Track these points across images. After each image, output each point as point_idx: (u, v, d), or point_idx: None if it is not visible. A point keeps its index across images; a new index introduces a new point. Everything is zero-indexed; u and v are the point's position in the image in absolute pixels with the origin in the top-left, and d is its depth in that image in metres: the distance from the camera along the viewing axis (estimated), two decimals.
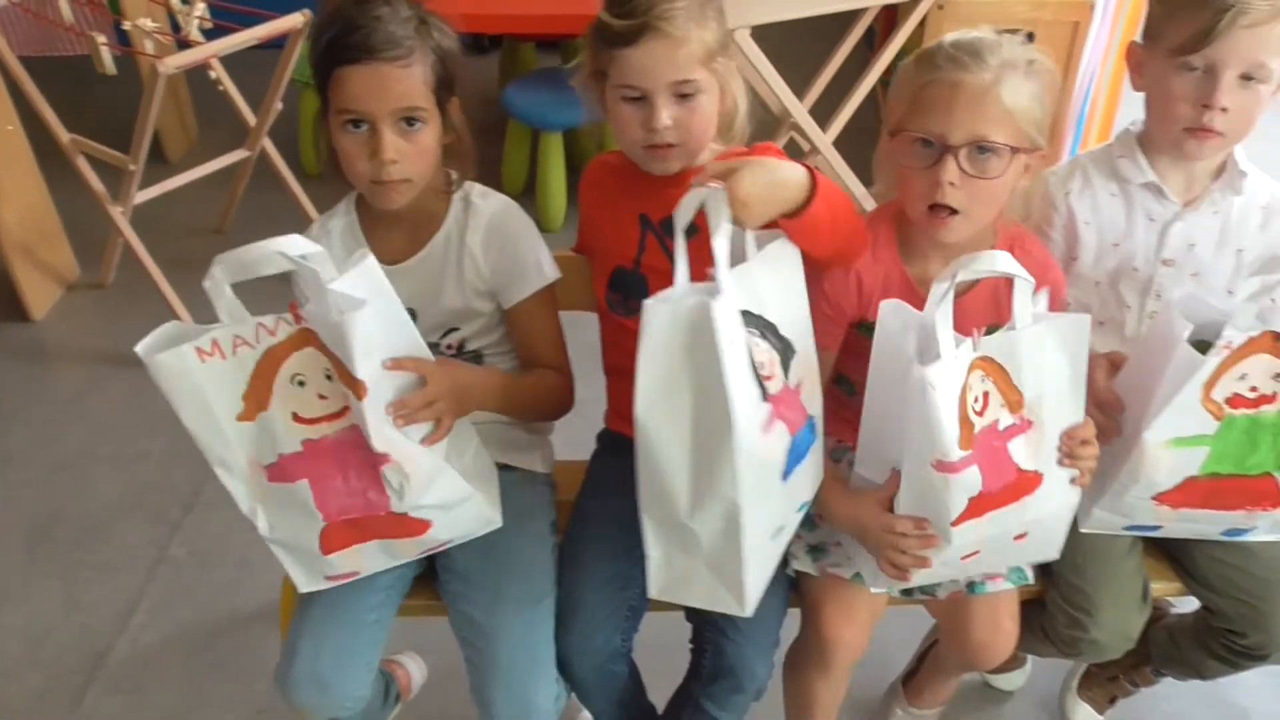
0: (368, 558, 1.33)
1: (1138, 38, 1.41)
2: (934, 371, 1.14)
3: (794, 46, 3.00)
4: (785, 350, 1.21)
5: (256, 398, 1.22)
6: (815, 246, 1.25)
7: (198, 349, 1.18)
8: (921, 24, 2.78)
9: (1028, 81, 1.25)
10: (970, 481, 1.19)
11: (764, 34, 2.60)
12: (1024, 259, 1.32)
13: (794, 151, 2.92)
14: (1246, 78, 1.29)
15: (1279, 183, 1.45)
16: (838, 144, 2.87)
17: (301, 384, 1.23)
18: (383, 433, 1.22)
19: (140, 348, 1.18)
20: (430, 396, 1.25)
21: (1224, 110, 1.30)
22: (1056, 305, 1.41)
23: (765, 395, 1.16)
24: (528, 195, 3.20)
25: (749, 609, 1.23)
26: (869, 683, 1.81)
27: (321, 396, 1.24)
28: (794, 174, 1.20)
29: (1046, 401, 1.23)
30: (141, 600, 2.05)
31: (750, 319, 1.16)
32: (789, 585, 1.44)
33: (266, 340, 1.21)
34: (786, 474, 1.21)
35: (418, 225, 1.43)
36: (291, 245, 1.15)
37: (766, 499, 1.18)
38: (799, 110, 2.78)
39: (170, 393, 1.19)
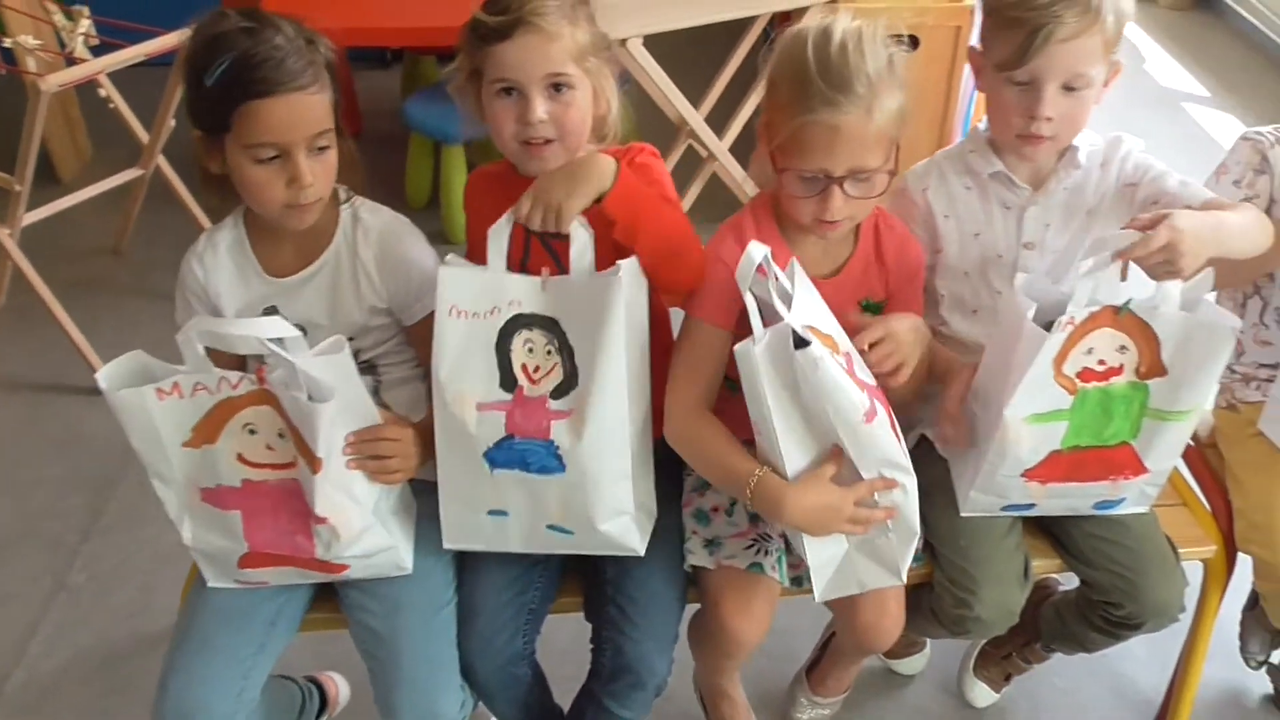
0: (281, 575, 1.38)
1: (976, 42, 1.48)
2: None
3: (689, 53, 3.04)
4: (571, 373, 1.30)
5: (205, 433, 1.29)
6: (632, 241, 1.31)
7: (158, 389, 1.24)
8: None
9: (892, 89, 1.32)
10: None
11: (658, 42, 2.65)
12: (887, 234, 1.46)
13: (692, 158, 2.99)
14: (1069, 88, 1.36)
15: (1096, 134, 1.52)
16: (734, 149, 2.92)
17: (253, 432, 1.29)
18: (327, 499, 1.28)
19: (103, 379, 1.24)
20: (390, 458, 1.32)
21: (1050, 120, 1.37)
22: (919, 281, 1.51)
23: (512, 388, 1.29)
24: (432, 208, 3.19)
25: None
26: (774, 675, 1.85)
27: (270, 448, 1.30)
28: (601, 166, 1.31)
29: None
30: (39, 627, 2.01)
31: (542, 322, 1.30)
32: (686, 579, 1.47)
33: (226, 391, 1.26)
34: (493, 466, 1.31)
35: (306, 239, 1.43)
36: (269, 329, 1.21)
37: None
38: (695, 118, 2.83)
39: (123, 421, 1.26)
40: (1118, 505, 1.47)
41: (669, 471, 1.55)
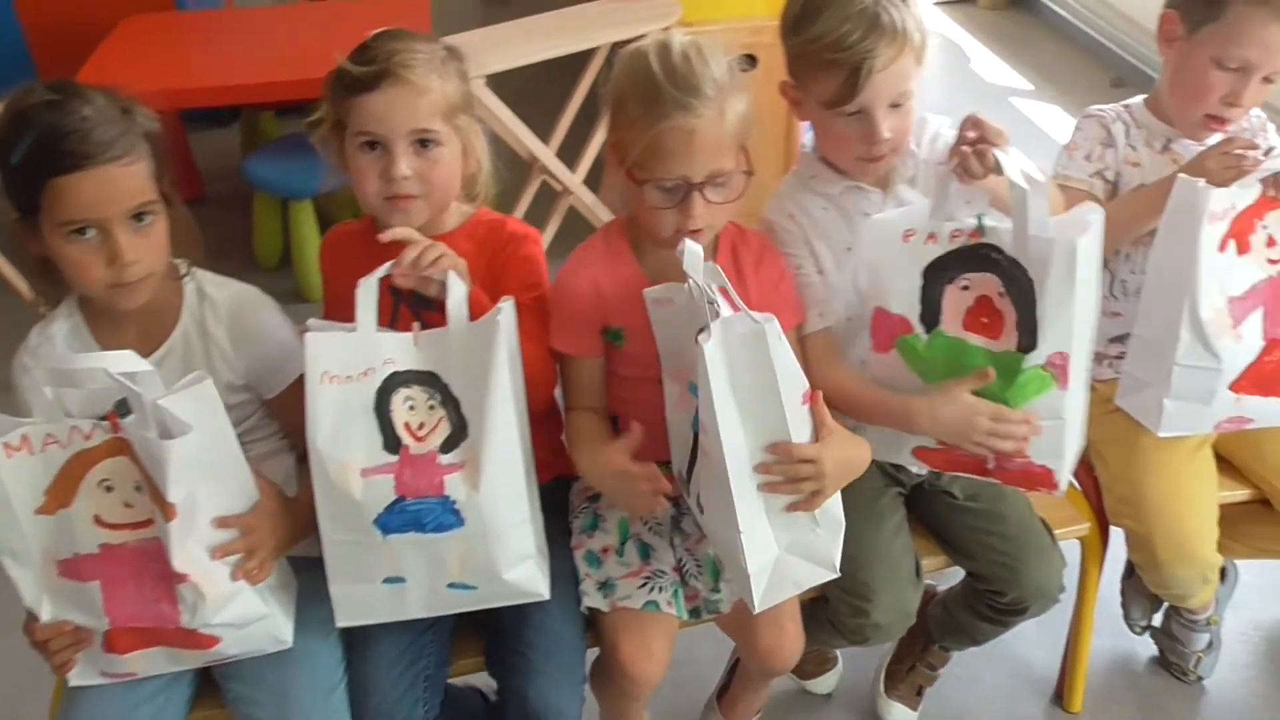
0: (149, 661, 1.28)
1: (788, 76, 1.50)
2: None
3: (535, 88, 3.04)
4: (459, 424, 1.27)
5: (59, 495, 1.22)
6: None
7: (5, 444, 1.18)
8: None
9: (737, 93, 1.35)
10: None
11: (503, 80, 2.64)
12: (743, 247, 1.47)
13: (547, 194, 2.98)
14: (895, 105, 1.41)
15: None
16: (588, 180, 2.93)
17: (109, 489, 1.22)
18: (186, 553, 1.21)
19: None
20: (251, 542, 1.25)
21: (886, 139, 1.41)
22: (786, 288, 1.50)
23: (396, 448, 1.26)
24: (284, 268, 3.10)
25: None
26: (684, 704, 1.83)
27: (128, 505, 1.23)
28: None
29: None
30: None
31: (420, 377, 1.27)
32: (585, 621, 1.46)
33: (79, 443, 1.20)
34: (385, 532, 1.26)
35: (150, 320, 1.36)
36: (118, 362, 1.14)
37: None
38: (546, 154, 2.83)
39: None
40: None
41: (556, 514, 1.54)
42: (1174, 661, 1.91)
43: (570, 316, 1.44)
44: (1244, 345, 1.48)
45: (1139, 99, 1.68)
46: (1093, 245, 1.31)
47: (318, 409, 1.25)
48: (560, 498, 1.59)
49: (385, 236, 1.30)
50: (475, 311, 1.29)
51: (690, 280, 1.26)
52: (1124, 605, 1.93)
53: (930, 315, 1.37)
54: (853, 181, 1.51)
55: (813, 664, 1.87)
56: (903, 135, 1.44)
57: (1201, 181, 1.43)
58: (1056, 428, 1.37)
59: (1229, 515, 1.70)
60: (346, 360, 1.27)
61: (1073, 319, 1.31)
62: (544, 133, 2.90)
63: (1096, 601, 1.76)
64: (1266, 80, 1.51)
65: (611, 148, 1.40)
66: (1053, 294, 1.30)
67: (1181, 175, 1.47)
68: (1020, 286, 1.33)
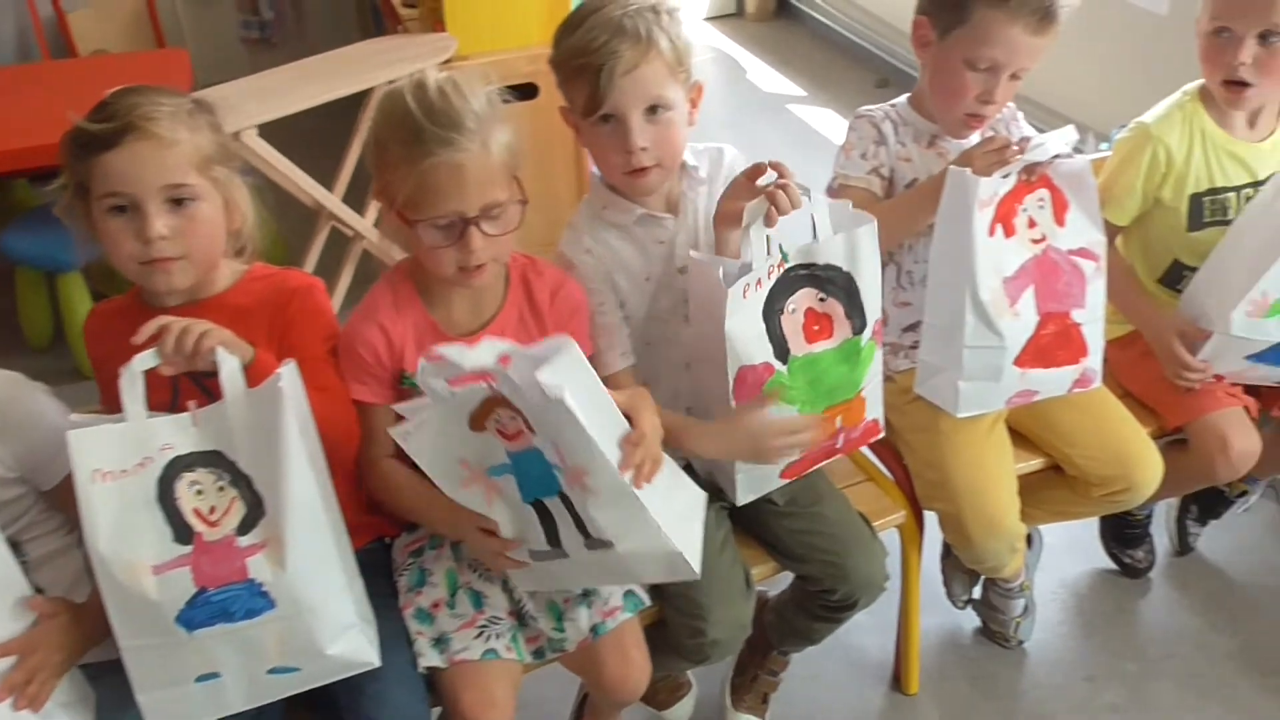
0: None
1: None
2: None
3: (316, 132, 2.94)
4: (254, 502, 1.21)
5: None
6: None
7: None
8: None
9: (499, 124, 1.36)
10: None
11: (280, 127, 2.53)
12: (537, 280, 1.47)
13: (339, 241, 2.89)
14: (651, 110, 1.43)
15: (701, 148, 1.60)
16: (380, 223, 2.85)
17: None
18: None
19: None
20: (30, 665, 1.16)
21: (645, 149, 1.43)
22: (582, 319, 1.50)
23: (189, 538, 1.19)
24: (58, 345, 2.88)
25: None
26: None
27: None
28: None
29: None
30: None
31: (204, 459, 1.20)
32: (424, 683, 1.40)
33: None
34: (190, 628, 1.20)
35: None
36: None
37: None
38: (331, 200, 2.74)
39: None
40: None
41: (380, 576, 1.48)
42: (996, 630, 2.00)
43: (362, 367, 1.41)
44: (1022, 322, 1.57)
45: (904, 98, 1.76)
46: (873, 230, 1.46)
47: (93, 510, 1.16)
48: (382, 558, 1.53)
49: (138, 338, 1.21)
50: (261, 377, 1.22)
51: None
52: (945, 583, 2.01)
53: (780, 349, 1.44)
54: (644, 209, 1.52)
55: (665, 693, 1.86)
56: (668, 149, 1.46)
57: (969, 170, 1.52)
58: (877, 384, 1.55)
59: (1027, 484, 1.79)
60: (119, 453, 1.18)
61: (876, 291, 1.50)
62: (328, 178, 2.81)
63: (920, 584, 1.83)
64: (1014, 77, 1.61)
65: (378, 193, 1.38)
66: (865, 276, 1.47)
67: (952, 167, 1.55)
68: (838, 284, 1.46)
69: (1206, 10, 1.71)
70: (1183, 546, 2.16)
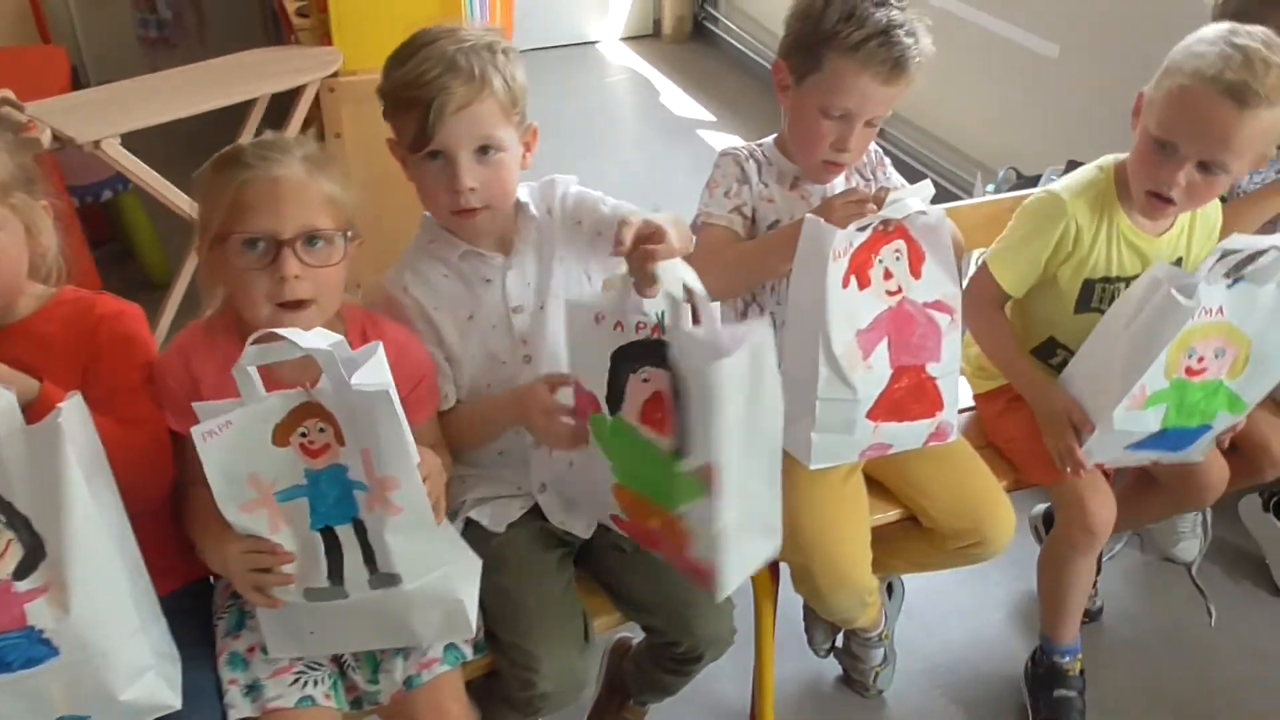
0: None
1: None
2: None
3: (203, 140, 2.83)
4: (34, 544, 1.13)
5: None
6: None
7: None
8: (316, 104, 2.75)
9: (335, 172, 1.34)
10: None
11: (161, 134, 2.43)
12: (376, 338, 1.37)
13: None
14: (482, 150, 1.39)
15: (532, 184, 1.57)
16: None
17: None
18: None
19: None
20: None
21: (473, 190, 1.39)
22: (428, 383, 1.45)
23: None
24: None
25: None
26: None
27: None
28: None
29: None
30: None
31: None
32: None
33: None
34: None
35: None
36: None
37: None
38: None
39: None
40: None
41: (201, 619, 1.42)
42: (856, 679, 1.98)
43: (174, 398, 1.34)
44: (874, 375, 1.55)
45: (769, 139, 1.74)
46: (744, 363, 1.21)
47: None
48: (204, 602, 1.45)
49: None
50: (49, 411, 1.14)
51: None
52: (807, 630, 1.98)
53: (614, 399, 1.34)
54: (469, 246, 1.47)
55: None
56: (496, 190, 1.43)
57: (825, 220, 1.49)
58: (707, 533, 1.30)
59: (885, 534, 1.77)
60: None
61: (719, 434, 1.22)
62: None
63: (775, 635, 1.79)
64: (869, 125, 1.59)
65: (200, 233, 1.32)
66: (695, 407, 1.23)
67: (809, 216, 1.52)
68: (677, 392, 1.28)
69: (1155, 115, 1.60)
70: (1087, 615, 2.12)
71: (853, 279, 1.53)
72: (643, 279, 1.26)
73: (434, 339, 1.49)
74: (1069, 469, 1.69)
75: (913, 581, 2.13)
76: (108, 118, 2.30)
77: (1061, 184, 1.77)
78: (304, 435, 1.23)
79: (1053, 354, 1.80)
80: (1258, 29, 1.57)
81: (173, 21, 4.14)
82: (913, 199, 1.51)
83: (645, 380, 1.30)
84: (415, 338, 1.47)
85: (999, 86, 3.31)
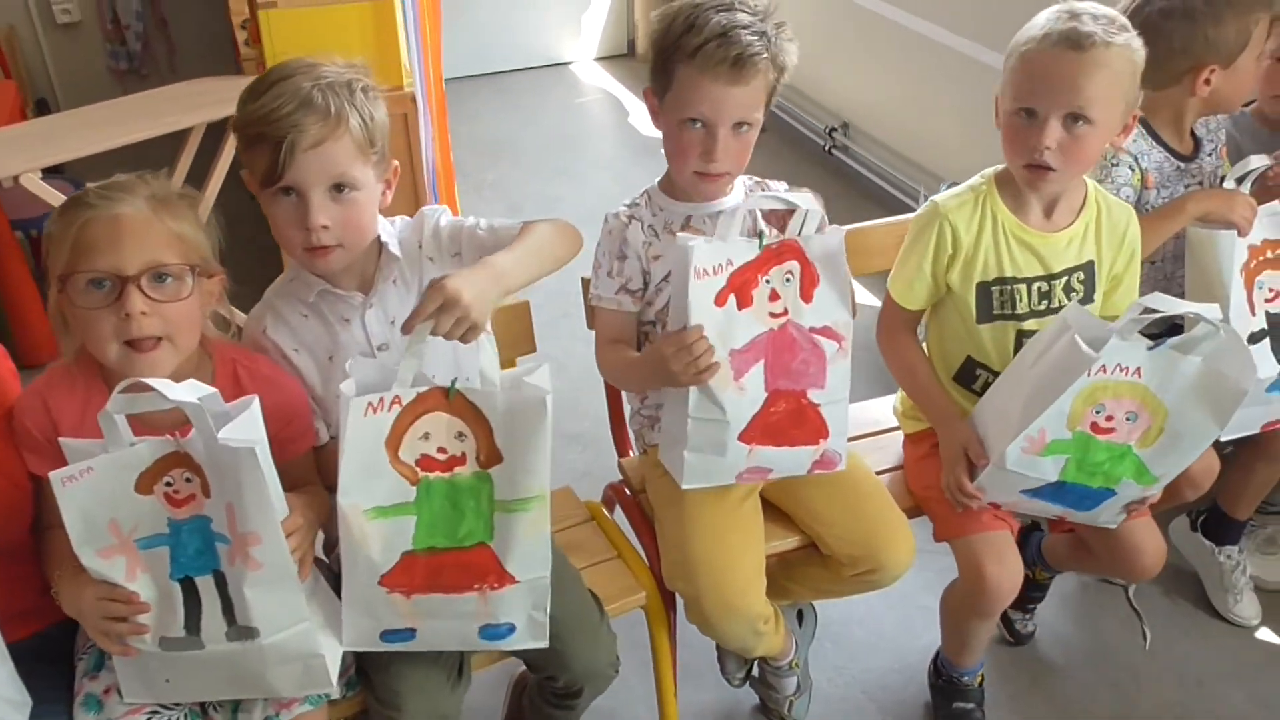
0: None
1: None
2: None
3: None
4: None
5: None
6: None
7: None
8: None
9: (183, 209, 1.33)
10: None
11: (97, 164, 2.42)
12: (249, 378, 1.39)
13: None
14: (336, 189, 1.37)
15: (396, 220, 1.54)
16: None
17: None
18: None
19: None
20: None
21: (326, 228, 1.37)
22: (302, 421, 1.44)
23: None
24: None
25: None
26: None
27: None
28: None
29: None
30: None
31: None
32: None
33: None
34: None
35: None
36: None
37: None
38: None
39: None
40: (508, 635, 1.38)
41: (56, 662, 1.39)
42: (772, 708, 1.93)
43: (34, 440, 1.33)
44: (747, 397, 1.51)
45: (655, 183, 1.70)
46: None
47: None
48: (66, 644, 1.43)
49: None
50: None
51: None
52: (720, 659, 1.94)
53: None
54: (325, 285, 1.46)
55: None
56: (350, 229, 1.40)
57: (694, 239, 1.46)
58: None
59: (789, 561, 1.74)
60: None
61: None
62: None
63: (681, 664, 1.76)
64: (738, 132, 1.56)
65: (48, 277, 1.32)
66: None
67: (681, 234, 1.51)
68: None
69: (1008, 90, 1.60)
70: (1016, 637, 2.10)
71: (731, 298, 1.49)
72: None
73: (306, 384, 1.47)
74: (956, 499, 1.65)
75: (837, 605, 2.10)
76: (30, 151, 2.31)
77: (941, 193, 1.75)
78: (169, 485, 1.23)
79: (974, 377, 1.75)
80: (1096, 5, 1.57)
81: (142, 53, 4.15)
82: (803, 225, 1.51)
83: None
84: (288, 375, 1.45)
85: (954, 99, 3.27)
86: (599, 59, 5.15)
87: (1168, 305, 1.45)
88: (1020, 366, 1.61)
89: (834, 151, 3.98)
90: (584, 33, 5.11)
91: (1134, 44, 1.55)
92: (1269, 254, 1.76)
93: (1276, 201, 1.78)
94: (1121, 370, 1.49)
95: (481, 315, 1.28)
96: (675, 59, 1.52)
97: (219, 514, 1.23)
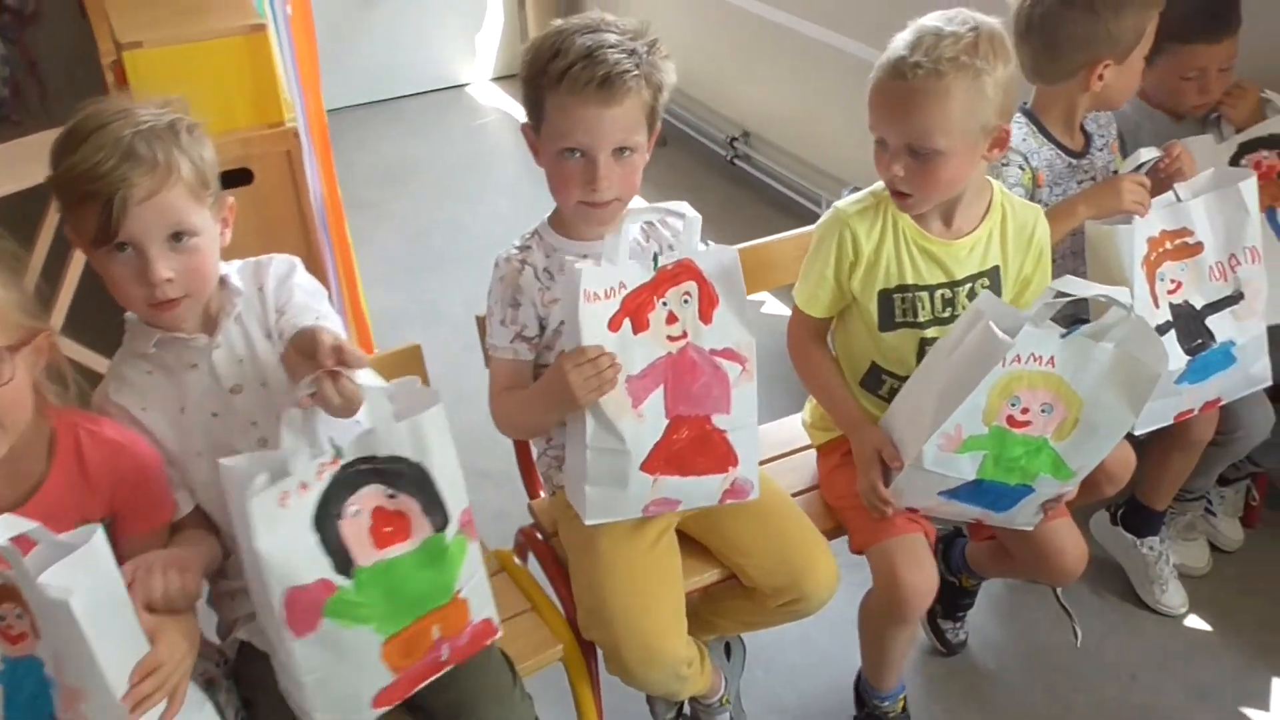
0: None
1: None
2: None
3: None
4: None
5: None
6: None
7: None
8: None
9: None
10: None
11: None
12: (91, 443, 1.29)
13: None
14: (175, 238, 1.29)
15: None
16: (73, 324, 2.61)
17: None
18: None
19: None
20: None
21: (169, 280, 1.29)
22: (153, 488, 1.34)
23: None
24: None
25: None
26: None
27: None
28: None
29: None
30: None
31: None
32: None
33: None
34: None
35: None
36: None
37: None
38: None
39: None
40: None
41: None
42: None
43: None
44: (647, 424, 1.45)
45: (545, 220, 1.63)
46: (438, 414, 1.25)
47: None
48: None
49: None
50: None
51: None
52: (649, 702, 1.86)
53: (342, 561, 1.22)
54: (162, 332, 1.36)
55: None
56: (195, 277, 1.32)
57: (583, 262, 1.41)
58: (481, 580, 1.34)
59: (712, 594, 1.69)
60: None
61: (456, 478, 1.28)
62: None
63: (601, 714, 1.68)
64: (618, 155, 1.49)
65: None
66: (439, 465, 1.25)
67: (567, 257, 1.46)
68: (408, 477, 1.24)
69: (870, 118, 1.61)
70: (948, 647, 2.07)
71: (626, 322, 1.43)
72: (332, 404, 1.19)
73: (156, 443, 1.36)
74: (873, 505, 1.61)
75: (767, 631, 2.03)
76: None
77: (843, 199, 1.71)
78: (1, 619, 1.11)
79: (880, 383, 1.71)
80: (979, 15, 1.54)
81: (11, 98, 3.97)
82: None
83: (355, 513, 1.22)
84: (140, 438, 1.34)
85: (851, 102, 3.23)
86: (496, 79, 5.06)
87: (1079, 288, 1.44)
88: (933, 363, 1.58)
89: (736, 161, 3.96)
90: (479, 53, 5.02)
91: (978, 64, 1.49)
92: (1168, 245, 1.75)
93: (1171, 193, 1.77)
94: (1035, 360, 1.46)
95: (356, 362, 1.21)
96: (544, 87, 1.45)
97: (49, 658, 1.11)
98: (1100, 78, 1.80)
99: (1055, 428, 1.51)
